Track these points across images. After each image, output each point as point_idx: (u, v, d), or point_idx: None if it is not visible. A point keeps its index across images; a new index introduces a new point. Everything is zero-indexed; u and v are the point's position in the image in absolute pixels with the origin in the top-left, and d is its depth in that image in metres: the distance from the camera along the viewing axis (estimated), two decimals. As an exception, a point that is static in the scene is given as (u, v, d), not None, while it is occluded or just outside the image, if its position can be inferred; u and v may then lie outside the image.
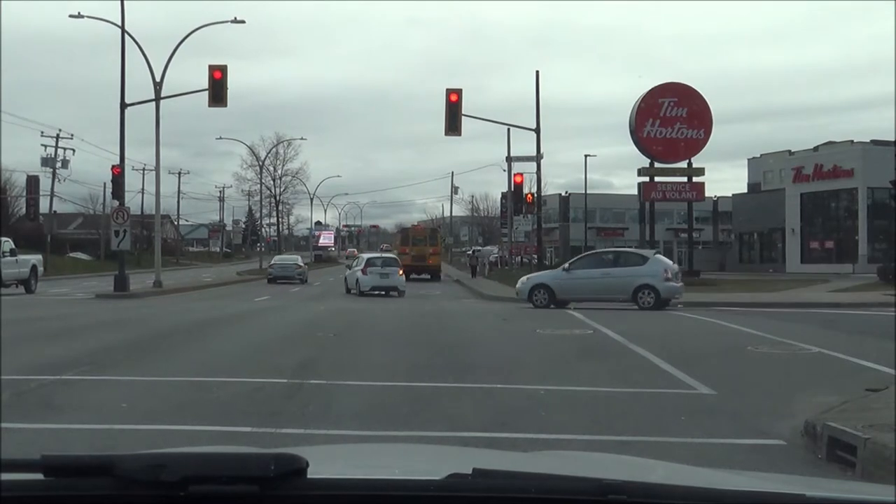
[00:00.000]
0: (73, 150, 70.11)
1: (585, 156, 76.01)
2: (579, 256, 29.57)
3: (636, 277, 24.97)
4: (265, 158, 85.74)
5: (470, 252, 73.65)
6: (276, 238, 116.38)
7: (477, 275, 55.36)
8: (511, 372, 11.11)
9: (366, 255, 41.31)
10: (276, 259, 55.75)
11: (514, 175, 47.18)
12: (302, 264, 52.74)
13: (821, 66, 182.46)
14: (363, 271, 36.80)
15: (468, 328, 17.81)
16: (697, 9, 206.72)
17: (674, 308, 24.86)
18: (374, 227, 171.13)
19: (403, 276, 38.36)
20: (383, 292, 36.17)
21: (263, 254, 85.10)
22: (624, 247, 43.63)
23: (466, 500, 1.82)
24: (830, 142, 65.94)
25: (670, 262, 26.59)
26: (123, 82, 34.11)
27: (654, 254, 27.48)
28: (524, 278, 27.87)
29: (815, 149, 65.05)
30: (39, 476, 1.74)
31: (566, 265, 27.85)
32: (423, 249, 55.21)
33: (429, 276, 54.17)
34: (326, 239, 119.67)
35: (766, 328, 17.46)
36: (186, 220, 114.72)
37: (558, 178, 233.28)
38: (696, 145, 43.18)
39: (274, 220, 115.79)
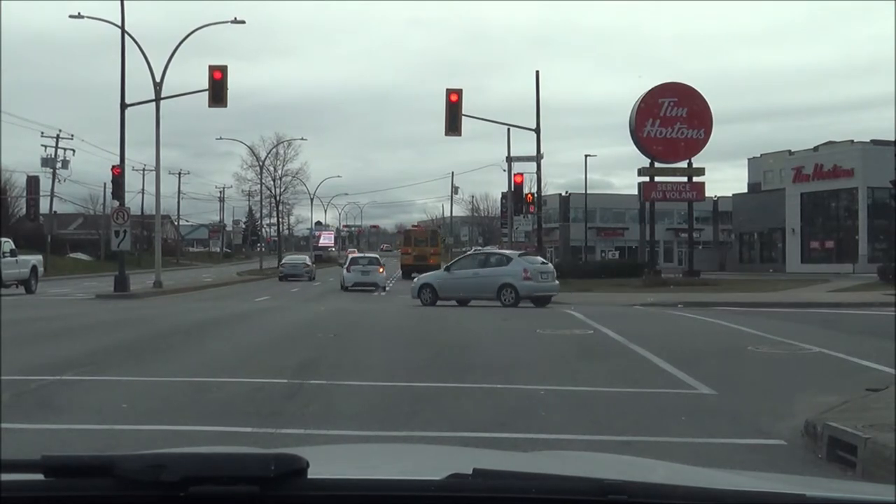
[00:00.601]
0: (74, 151, 70.30)
1: (585, 156, 76.03)
2: (459, 257, 31.85)
3: (500, 277, 26.66)
4: (265, 159, 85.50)
5: (471, 252, 73.66)
6: (276, 238, 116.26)
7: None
8: (511, 372, 11.08)
9: (351, 255, 45.47)
10: (287, 259, 61.68)
11: (514, 175, 47.08)
12: (310, 263, 58.30)
13: (821, 66, 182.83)
14: (347, 269, 40.90)
15: (468, 328, 17.79)
16: (697, 9, 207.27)
17: (554, 305, 25.77)
18: (375, 227, 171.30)
19: (384, 273, 42.39)
20: (372, 288, 39.49)
21: (263, 254, 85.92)
22: (624, 247, 43.92)
23: (467, 501, 1.82)
24: (830, 142, 65.93)
25: (536, 263, 27.85)
26: (123, 83, 34.19)
27: (519, 255, 28.74)
28: (416, 278, 29.72)
29: (815, 149, 65.04)
30: (40, 476, 1.74)
31: (447, 266, 29.66)
32: (425, 250, 57.74)
33: None
34: (327, 239, 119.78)
35: (766, 328, 17.44)
36: (186, 221, 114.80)
37: (558, 178, 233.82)
38: (696, 145, 43.17)
39: (274, 220, 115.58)
